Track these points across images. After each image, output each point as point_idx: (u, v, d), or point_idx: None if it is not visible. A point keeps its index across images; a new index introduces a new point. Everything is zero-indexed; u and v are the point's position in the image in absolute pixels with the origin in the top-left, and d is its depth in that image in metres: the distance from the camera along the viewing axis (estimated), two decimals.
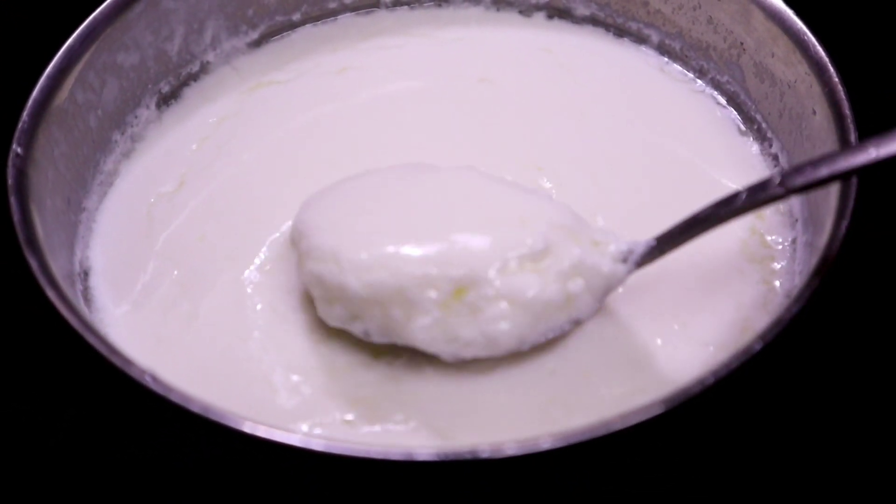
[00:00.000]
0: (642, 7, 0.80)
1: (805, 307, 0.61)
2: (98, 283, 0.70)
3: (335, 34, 0.82)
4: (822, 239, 0.64)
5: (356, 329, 0.65)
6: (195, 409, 0.59)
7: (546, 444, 0.57)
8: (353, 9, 0.83)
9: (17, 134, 0.69)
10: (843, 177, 0.62)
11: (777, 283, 0.69)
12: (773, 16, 0.74)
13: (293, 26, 0.82)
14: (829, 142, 0.68)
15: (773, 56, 0.74)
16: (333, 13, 0.83)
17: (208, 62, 0.80)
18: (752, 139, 0.76)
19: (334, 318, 0.65)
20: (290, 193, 0.73)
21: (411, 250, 0.64)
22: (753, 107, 0.76)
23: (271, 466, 0.63)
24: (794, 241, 0.70)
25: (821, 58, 0.71)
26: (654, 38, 0.80)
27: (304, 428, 0.64)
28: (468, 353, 0.64)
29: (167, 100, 0.79)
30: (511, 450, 0.57)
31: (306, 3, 0.82)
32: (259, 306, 0.68)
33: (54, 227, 0.68)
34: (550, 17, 0.82)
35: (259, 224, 0.72)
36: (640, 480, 0.66)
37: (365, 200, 0.67)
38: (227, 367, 0.66)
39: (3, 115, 0.71)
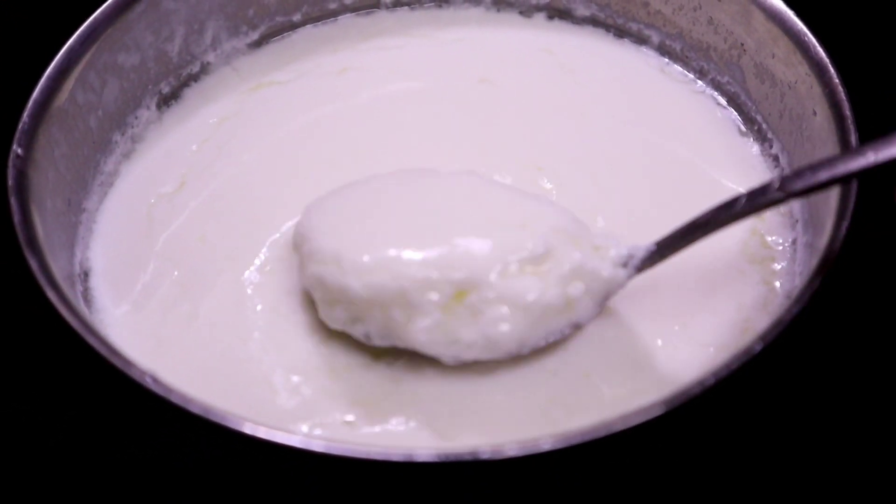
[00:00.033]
0: (643, 8, 0.80)
1: (805, 308, 0.61)
2: (98, 283, 0.70)
3: (335, 35, 0.82)
4: (823, 240, 0.64)
5: (357, 332, 0.65)
6: (195, 410, 0.59)
7: (547, 445, 0.57)
8: (354, 9, 0.83)
9: (17, 135, 0.69)
10: (843, 181, 0.62)
11: (777, 284, 0.69)
12: (774, 17, 0.74)
13: (293, 27, 0.82)
14: (829, 142, 0.68)
15: (773, 57, 0.74)
16: (334, 14, 0.83)
17: (209, 63, 0.80)
18: (752, 140, 0.76)
19: (335, 320, 0.65)
20: (290, 194, 0.73)
21: (413, 253, 0.64)
22: (754, 107, 0.76)
23: (272, 467, 0.63)
24: (794, 242, 0.70)
25: (821, 59, 0.71)
26: (655, 38, 0.80)
27: (305, 429, 0.64)
28: (469, 356, 0.64)
29: (167, 100, 0.79)
30: (512, 451, 0.57)
31: (307, 4, 0.82)
32: (259, 307, 0.68)
33: (54, 227, 0.68)
34: (551, 17, 0.82)
35: (259, 225, 0.72)
36: (640, 481, 0.66)
37: (367, 205, 0.67)
38: (227, 368, 0.66)
39: (3, 115, 0.71)
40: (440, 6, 0.83)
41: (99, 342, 0.61)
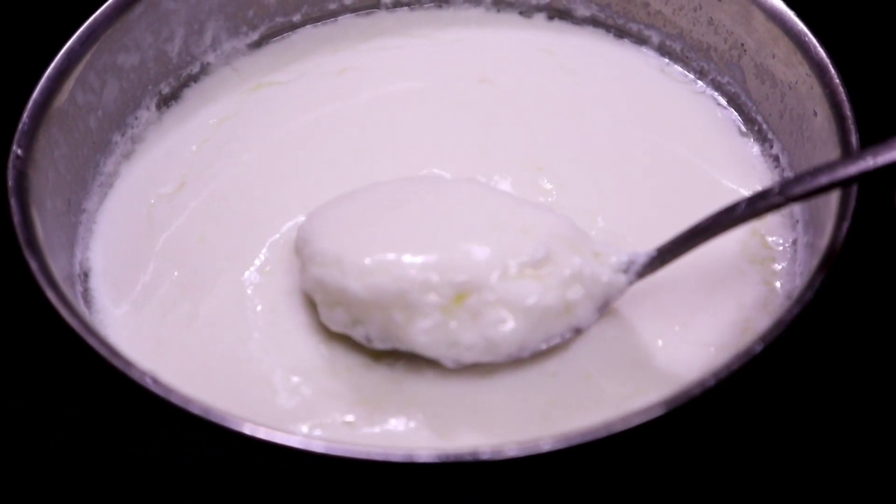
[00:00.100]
0: (643, 8, 0.80)
1: (806, 308, 0.61)
2: (98, 284, 0.70)
3: (335, 35, 0.82)
4: (823, 240, 0.64)
5: (358, 334, 0.65)
6: (196, 410, 0.59)
7: (547, 446, 0.57)
8: (354, 10, 0.83)
9: (17, 135, 0.69)
10: (843, 185, 0.62)
11: (778, 285, 0.69)
12: (774, 17, 0.74)
13: (293, 27, 0.82)
14: (830, 143, 0.68)
15: (773, 57, 0.74)
16: (334, 14, 0.83)
17: (208, 63, 0.80)
18: (752, 140, 0.76)
19: (336, 322, 0.65)
20: (290, 194, 0.73)
21: (413, 256, 0.64)
22: (754, 108, 0.76)
23: (272, 467, 0.63)
24: (794, 243, 0.70)
25: (822, 59, 0.71)
26: (655, 39, 0.80)
27: (305, 429, 0.64)
28: (468, 358, 0.64)
29: (167, 101, 0.79)
30: (512, 451, 0.57)
31: (306, 4, 0.82)
32: (259, 307, 0.68)
33: (54, 228, 0.68)
34: (551, 17, 0.82)
35: (259, 225, 0.72)
36: (641, 482, 0.66)
37: (369, 211, 0.67)
38: (227, 368, 0.66)
39: (3, 116, 0.71)
40: (440, 6, 0.83)
41: (99, 343, 0.61)
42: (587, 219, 0.70)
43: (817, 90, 0.70)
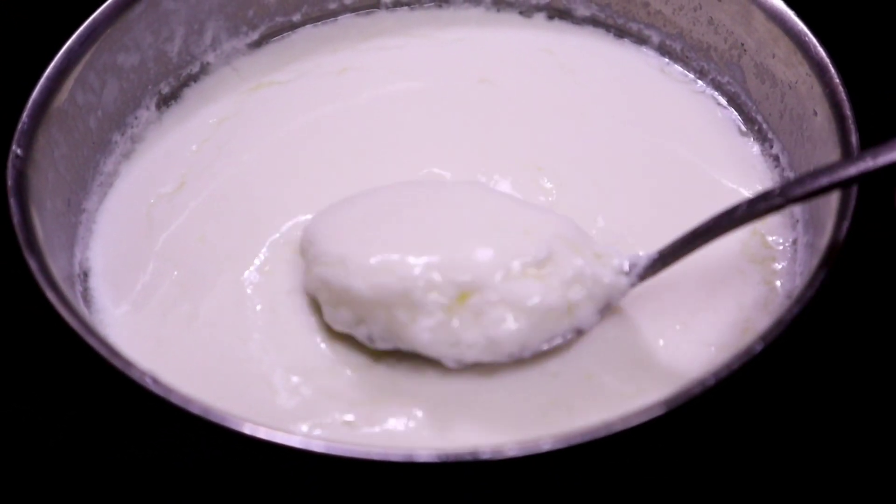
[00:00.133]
0: (643, 8, 0.80)
1: (806, 308, 0.61)
2: (98, 284, 0.70)
3: (335, 35, 0.82)
4: (824, 240, 0.64)
5: (360, 334, 0.65)
6: (195, 410, 0.59)
7: (547, 446, 0.57)
8: (354, 9, 0.83)
9: (16, 135, 0.69)
10: (842, 186, 0.62)
11: (778, 284, 0.69)
12: (774, 17, 0.74)
13: (293, 27, 0.82)
14: (829, 143, 0.68)
15: (773, 57, 0.74)
16: (334, 14, 0.83)
17: (208, 63, 0.80)
18: (752, 140, 0.76)
19: (340, 322, 0.66)
20: (290, 194, 0.73)
21: (417, 257, 0.64)
22: (754, 108, 0.76)
23: (272, 467, 0.63)
24: (794, 242, 0.70)
25: (822, 59, 0.71)
26: (655, 38, 0.80)
27: (304, 429, 0.64)
28: (470, 357, 0.64)
29: (167, 101, 0.79)
30: (512, 451, 0.57)
31: (306, 4, 0.82)
32: (259, 307, 0.68)
33: (54, 228, 0.68)
34: (551, 17, 0.82)
35: (259, 225, 0.72)
36: (641, 481, 0.66)
37: (373, 212, 0.68)
38: (226, 368, 0.66)
39: (2, 116, 0.71)
40: (440, 6, 0.83)
41: (99, 343, 0.61)
42: (587, 218, 0.70)
43: (817, 90, 0.70)
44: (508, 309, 0.63)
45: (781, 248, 0.70)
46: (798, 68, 0.72)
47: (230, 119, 0.77)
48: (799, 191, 0.62)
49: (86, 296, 0.70)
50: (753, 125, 0.76)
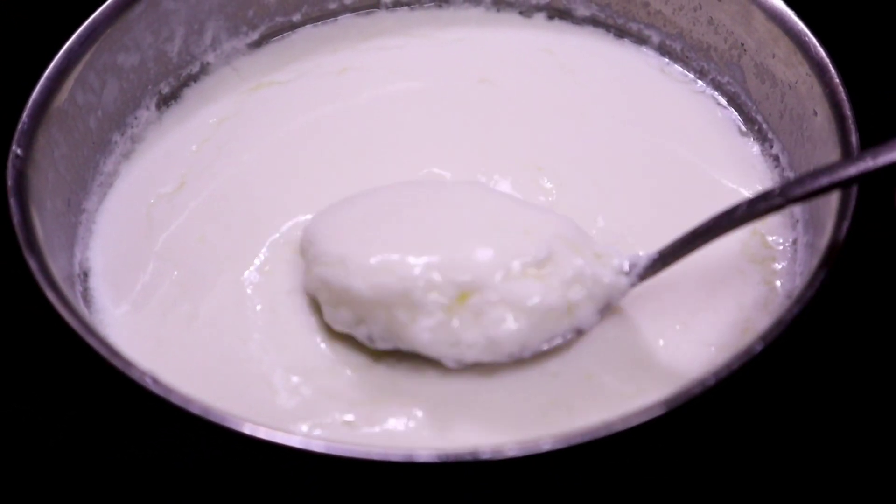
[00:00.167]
0: (643, 8, 0.80)
1: (806, 308, 0.61)
2: (98, 284, 0.70)
3: (335, 35, 0.82)
4: (824, 240, 0.64)
5: (360, 334, 0.65)
6: (195, 410, 0.59)
7: (547, 446, 0.57)
8: (354, 9, 0.83)
9: (16, 135, 0.69)
10: (843, 185, 0.62)
11: (778, 284, 0.69)
12: (774, 17, 0.74)
13: (293, 27, 0.82)
14: (829, 143, 0.68)
15: (773, 57, 0.74)
16: (334, 14, 0.83)
17: (208, 63, 0.80)
18: (752, 140, 0.76)
19: (340, 322, 0.66)
20: (290, 194, 0.73)
21: (417, 257, 0.64)
22: (754, 108, 0.76)
23: (272, 467, 0.63)
24: (794, 242, 0.70)
25: (822, 59, 0.71)
26: (655, 38, 0.80)
27: (304, 429, 0.64)
28: (470, 356, 0.64)
29: (167, 101, 0.79)
30: (512, 451, 0.57)
31: (306, 4, 0.82)
32: (259, 307, 0.68)
33: (54, 228, 0.68)
34: (551, 17, 0.82)
35: (259, 225, 0.72)
36: (640, 481, 0.66)
37: (373, 212, 0.68)
38: (226, 368, 0.66)
39: (2, 116, 0.71)
40: (440, 6, 0.83)
41: (99, 343, 0.61)
42: (587, 218, 0.70)
43: (817, 90, 0.70)
44: (508, 309, 0.63)
45: (781, 248, 0.70)
46: (798, 68, 0.72)
47: (230, 119, 0.77)
48: (799, 191, 0.62)
49: (86, 296, 0.70)
50: (753, 125, 0.76)
